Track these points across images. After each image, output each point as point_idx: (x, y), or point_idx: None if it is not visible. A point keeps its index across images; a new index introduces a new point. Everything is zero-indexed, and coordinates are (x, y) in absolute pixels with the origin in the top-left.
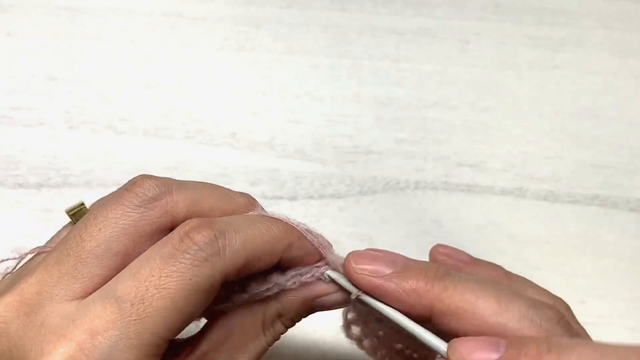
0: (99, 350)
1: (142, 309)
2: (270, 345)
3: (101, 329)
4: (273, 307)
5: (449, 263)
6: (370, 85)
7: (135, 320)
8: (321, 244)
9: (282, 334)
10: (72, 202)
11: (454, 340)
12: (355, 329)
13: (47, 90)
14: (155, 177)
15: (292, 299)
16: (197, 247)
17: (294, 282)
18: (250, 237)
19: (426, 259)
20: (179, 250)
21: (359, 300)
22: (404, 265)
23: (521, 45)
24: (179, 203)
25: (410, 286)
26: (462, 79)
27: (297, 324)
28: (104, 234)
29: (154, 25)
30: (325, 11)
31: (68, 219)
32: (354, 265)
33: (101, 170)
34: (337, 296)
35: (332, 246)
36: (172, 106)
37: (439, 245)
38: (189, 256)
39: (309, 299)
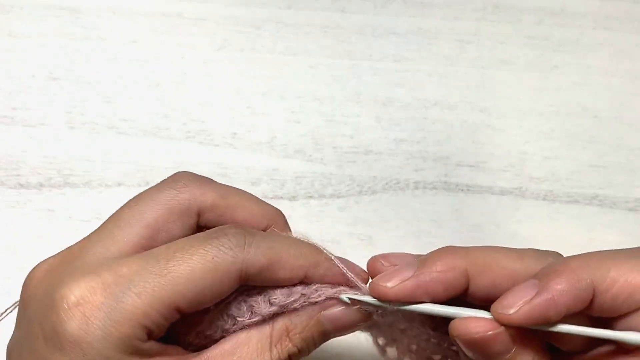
0: (117, 286)
1: (165, 268)
2: None
3: (126, 273)
4: (280, 322)
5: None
6: (370, 85)
7: (156, 275)
8: (350, 270)
9: (292, 354)
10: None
11: (497, 301)
12: (391, 351)
13: (48, 90)
14: (192, 172)
15: (299, 313)
16: (226, 238)
17: (319, 295)
18: (276, 245)
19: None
20: (211, 237)
21: (397, 310)
22: (420, 260)
23: (520, 45)
24: (206, 192)
25: (441, 266)
26: (461, 79)
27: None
28: (139, 206)
29: (155, 25)
30: (325, 12)
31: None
32: (384, 285)
33: (102, 170)
34: (345, 310)
35: (366, 277)
36: (172, 106)
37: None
38: (217, 242)
39: (315, 310)
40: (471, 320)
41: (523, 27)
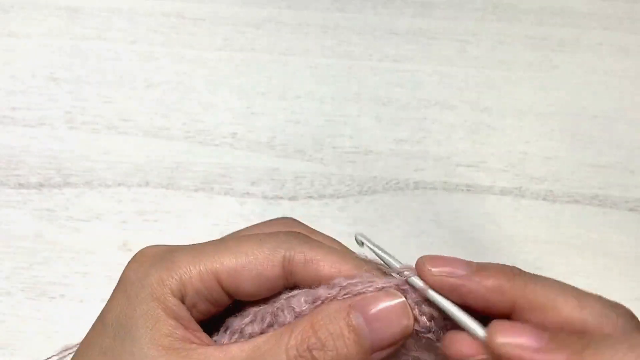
0: (175, 249)
1: (218, 243)
2: None
3: (190, 244)
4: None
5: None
6: (370, 85)
7: (209, 245)
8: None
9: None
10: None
11: (496, 322)
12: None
13: (48, 90)
14: (297, 220)
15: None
16: (278, 232)
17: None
18: (326, 245)
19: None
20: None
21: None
22: (479, 265)
23: (520, 45)
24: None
25: (492, 284)
26: (461, 79)
27: None
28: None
29: (154, 25)
30: (325, 12)
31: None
32: (429, 268)
33: (102, 170)
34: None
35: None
36: (172, 106)
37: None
38: (268, 233)
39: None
40: (460, 341)
41: (523, 27)
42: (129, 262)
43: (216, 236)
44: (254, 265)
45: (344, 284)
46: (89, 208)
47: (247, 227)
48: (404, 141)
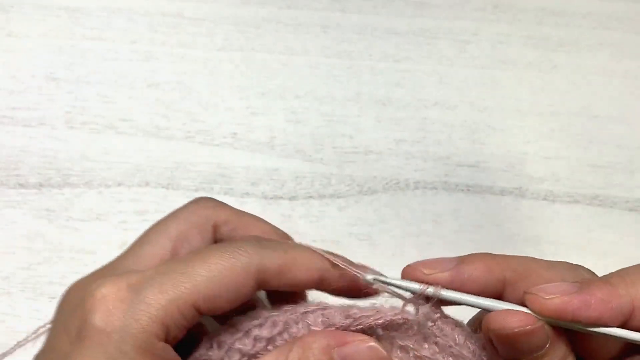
0: (141, 284)
1: (186, 268)
2: None
3: (151, 274)
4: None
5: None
6: (370, 85)
7: (178, 273)
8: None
9: None
10: None
11: (529, 289)
12: None
13: (48, 90)
14: (212, 197)
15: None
16: (242, 242)
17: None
18: (290, 249)
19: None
20: (229, 243)
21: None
22: (459, 258)
23: (520, 45)
24: (222, 210)
25: (481, 266)
26: (461, 79)
27: None
28: (164, 223)
29: (154, 25)
30: (325, 11)
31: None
32: (422, 270)
33: (102, 170)
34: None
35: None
36: (172, 106)
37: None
38: (234, 245)
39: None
40: (509, 314)
41: (523, 27)
42: (88, 310)
43: None
44: (230, 287)
45: (358, 316)
46: (89, 208)
47: (168, 216)
48: (404, 141)
